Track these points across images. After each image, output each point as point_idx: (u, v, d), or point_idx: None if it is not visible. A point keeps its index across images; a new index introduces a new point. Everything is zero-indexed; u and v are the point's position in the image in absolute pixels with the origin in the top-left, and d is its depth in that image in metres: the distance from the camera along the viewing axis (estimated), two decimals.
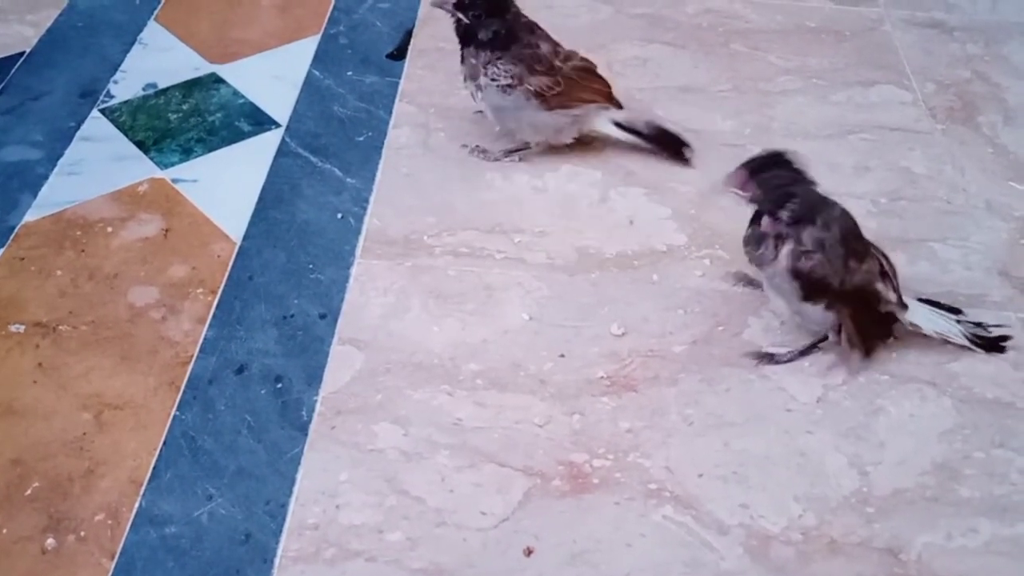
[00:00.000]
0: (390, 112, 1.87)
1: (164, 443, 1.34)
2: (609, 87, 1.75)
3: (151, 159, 1.75)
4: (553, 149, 1.78)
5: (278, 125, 1.83)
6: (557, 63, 1.69)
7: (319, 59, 1.99)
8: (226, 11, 2.11)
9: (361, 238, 1.63)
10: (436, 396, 1.40)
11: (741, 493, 1.31)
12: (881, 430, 1.38)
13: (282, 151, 1.78)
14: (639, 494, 1.30)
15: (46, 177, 1.70)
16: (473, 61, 1.68)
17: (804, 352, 1.47)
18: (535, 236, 1.64)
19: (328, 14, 2.10)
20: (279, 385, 1.42)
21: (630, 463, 1.34)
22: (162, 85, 1.91)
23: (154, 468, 1.31)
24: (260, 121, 1.84)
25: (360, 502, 1.28)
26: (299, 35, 2.05)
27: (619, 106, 1.75)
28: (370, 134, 1.82)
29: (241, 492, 1.29)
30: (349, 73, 1.95)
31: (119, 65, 1.95)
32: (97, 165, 1.74)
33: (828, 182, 1.72)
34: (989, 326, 1.49)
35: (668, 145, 1.76)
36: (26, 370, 1.42)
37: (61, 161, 1.73)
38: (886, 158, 1.81)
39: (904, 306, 1.44)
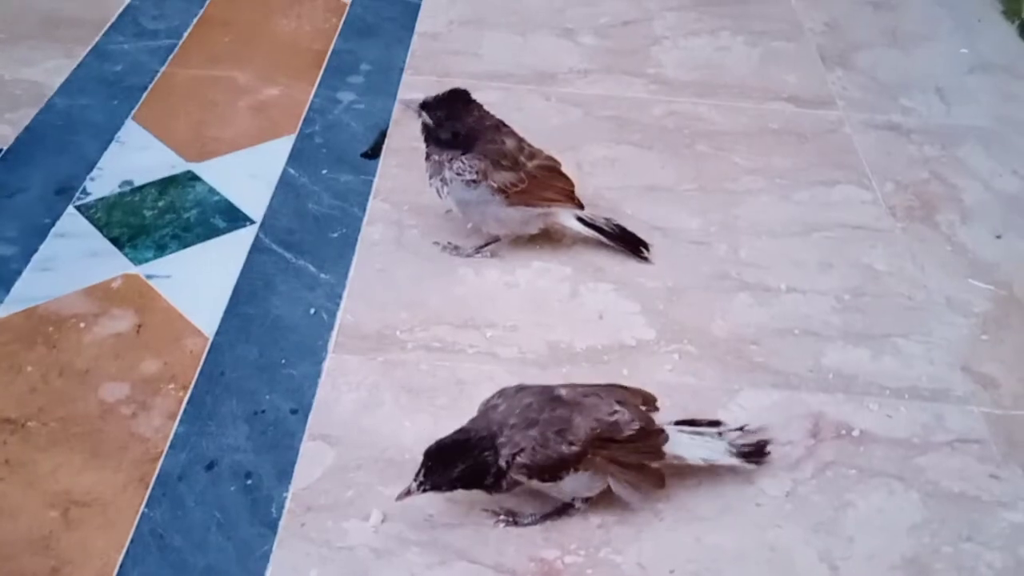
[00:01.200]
0: (364, 209, 1.90)
1: (132, 541, 1.32)
2: (572, 186, 1.79)
3: (125, 255, 1.77)
4: (524, 245, 1.81)
5: (253, 222, 1.86)
6: (522, 159, 1.73)
7: (294, 158, 2.02)
8: (203, 111, 2.15)
9: (334, 333, 1.64)
10: None
11: None
12: (850, 524, 1.39)
13: (256, 247, 1.80)
14: None
15: (19, 273, 1.71)
16: (436, 158, 1.72)
17: (548, 516, 1.38)
18: (507, 331, 1.66)
19: (303, 115, 2.15)
20: (249, 481, 1.41)
21: (602, 559, 1.33)
22: (138, 182, 1.94)
23: (121, 566, 1.29)
24: (235, 218, 1.87)
25: None
26: (275, 135, 2.09)
27: (580, 206, 1.79)
28: (344, 231, 1.84)
29: None
30: (324, 172, 1.99)
31: (96, 163, 1.97)
32: (71, 261, 1.74)
33: (793, 279, 1.78)
34: (750, 430, 1.45)
35: (627, 242, 1.80)
36: None
37: (35, 257, 1.74)
38: (848, 255, 1.86)
39: (660, 432, 1.36)
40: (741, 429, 1.45)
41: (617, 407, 1.35)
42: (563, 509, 1.38)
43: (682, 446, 1.38)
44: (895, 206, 1.99)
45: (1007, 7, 2.68)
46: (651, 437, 1.36)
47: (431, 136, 1.72)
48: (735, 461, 1.41)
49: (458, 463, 1.28)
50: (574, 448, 1.30)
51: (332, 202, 1.91)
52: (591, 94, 2.26)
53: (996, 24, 2.65)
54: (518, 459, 1.28)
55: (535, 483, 1.32)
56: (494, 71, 2.31)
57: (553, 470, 1.30)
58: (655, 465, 1.36)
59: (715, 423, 1.46)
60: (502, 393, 1.36)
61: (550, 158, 1.78)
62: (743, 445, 1.42)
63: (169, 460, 1.43)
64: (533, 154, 1.75)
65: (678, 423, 1.43)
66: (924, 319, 1.74)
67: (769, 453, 1.44)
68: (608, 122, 2.18)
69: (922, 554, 1.36)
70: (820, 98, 2.30)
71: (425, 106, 1.70)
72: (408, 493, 1.29)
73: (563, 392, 1.36)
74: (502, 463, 1.29)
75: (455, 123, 1.70)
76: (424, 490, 1.29)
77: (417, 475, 1.28)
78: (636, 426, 1.34)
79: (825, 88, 2.33)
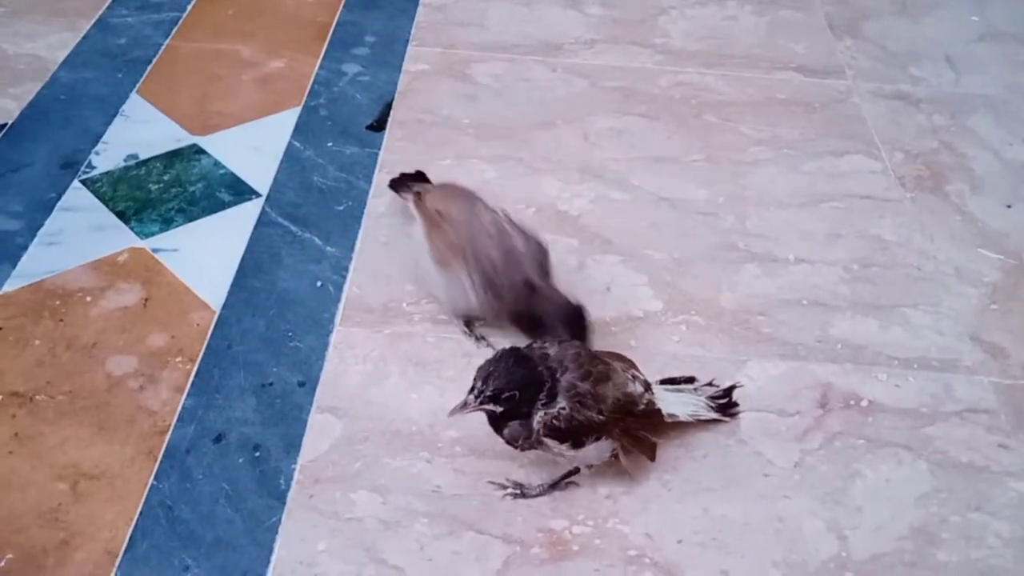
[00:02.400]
0: (370, 182, 1.89)
1: (140, 513, 1.33)
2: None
3: (131, 229, 1.76)
4: (528, 217, 1.80)
5: (258, 195, 1.85)
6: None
7: (299, 131, 2.01)
8: (207, 84, 2.14)
9: (340, 306, 1.64)
10: (415, 464, 1.40)
11: (720, 559, 1.31)
12: (858, 494, 1.39)
13: (262, 220, 1.79)
14: (619, 561, 1.30)
15: (25, 247, 1.71)
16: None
17: (555, 485, 1.39)
18: None
19: (308, 87, 2.14)
20: (257, 454, 1.41)
21: (610, 529, 1.34)
22: (143, 156, 1.93)
23: (130, 539, 1.30)
24: (241, 191, 1.86)
25: (338, 572, 1.27)
26: (279, 107, 2.08)
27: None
28: (350, 204, 1.84)
29: (218, 563, 1.28)
30: (329, 144, 1.98)
31: (101, 137, 1.96)
32: (77, 235, 1.74)
33: (801, 250, 1.77)
34: (719, 386, 1.48)
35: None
36: (1, 441, 1.41)
37: (41, 231, 1.74)
38: (857, 226, 1.85)
39: (659, 410, 1.38)
40: (710, 384, 1.49)
41: (629, 376, 1.35)
42: (567, 476, 1.38)
43: (671, 404, 1.41)
44: (904, 176, 1.98)
45: None
46: (656, 415, 1.37)
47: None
48: (714, 415, 1.45)
49: (520, 369, 1.25)
50: (602, 417, 1.29)
51: (338, 175, 1.90)
52: (597, 64, 2.24)
53: None
54: (554, 421, 1.26)
55: (556, 447, 1.30)
56: (499, 42, 2.29)
57: (580, 434, 1.29)
58: (653, 439, 1.37)
59: (690, 379, 1.48)
60: (545, 340, 1.34)
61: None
62: (714, 398, 1.46)
63: (177, 433, 1.43)
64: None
65: (662, 382, 1.45)
66: (933, 289, 1.73)
67: (737, 405, 1.48)
68: (614, 93, 2.16)
69: (930, 524, 1.36)
70: (828, 67, 2.28)
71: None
72: (465, 406, 1.24)
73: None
74: (535, 424, 1.26)
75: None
76: (484, 400, 1.23)
77: (472, 389, 1.24)
78: (646, 399, 1.35)
79: (833, 57, 2.31)
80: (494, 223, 1.54)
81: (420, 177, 1.77)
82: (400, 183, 1.76)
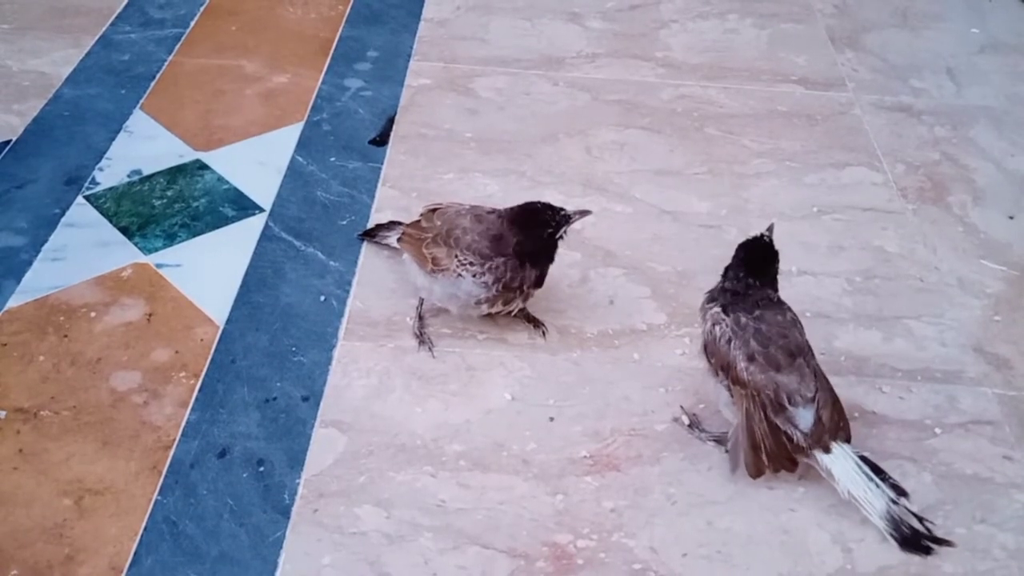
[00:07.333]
0: (372, 196, 1.90)
1: (145, 528, 1.33)
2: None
3: (135, 244, 1.77)
4: None
5: (262, 210, 1.86)
6: None
7: (302, 145, 2.02)
8: (210, 100, 2.14)
9: (344, 320, 1.64)
10: (419, 478, 1.40)
11: (725, 572, 1.31)
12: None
13: (266, 235, 1.80)
14: (624, 574, 1.30)
15: (30, 263, 1.71)
16: None
17: (719, 440, 1.45)
18: (516, 316, 1.65)
19: (311, 102, 2.15)
20: (261, 468, 1.41)
21: (614, 543, 1.33)
22: (147, 172, 1.94)
23: (135, 554, 1.30)
24: (244, 206, 1.87)
25: None
26: (283, 123, 2.09)
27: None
28: (353, 218, 1.84)
29: None
30: (332, 159, 1.99)
31: (104, 153, 1.97)
32: (81, 251, 1.75)
33: (803, 262, 1.77)
34: (929, 523, 1.35)
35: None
36: (6, 456, 1.41)
37: (45, 247, 1.74)
38: (859, 237, 1.85)
39: (822, 446, 1.35)
40: (922, 519, 1.35)
41: (814, 395, 1.36)
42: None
43: (841, 469, 1.35)
44: (906, 188, 1.98)
45: None
46: (783, 449, 1.36)
47: None
48: (885, 527, 1.33)
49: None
50: (740, 372, 1.37)
51: (340, 189, 1.91)
52: (599, 78, 2.25)
53: (1007, 3, 2.63)
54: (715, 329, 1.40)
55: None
56: (501, 56, 2.30)
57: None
58: (764, 459, 1.35)
59: (900, 490, 1.35)
60: None
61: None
62: (906, 525, 1.33)
63: (181, 448, 1.43)
64: None
65: (863, 457, 1.36)
66: (936, 301, 1.73)
67: (930, 550, 1.34)
68: (616, 106, 2.17)
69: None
70: (830, 80, 2.29)
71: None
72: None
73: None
74: None
75: None
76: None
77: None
78: (796, 431, 1.35)
79: (835, 70, 2.32)
80: (467, 209, 1.59)
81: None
82: (374, 231, 1.78)
